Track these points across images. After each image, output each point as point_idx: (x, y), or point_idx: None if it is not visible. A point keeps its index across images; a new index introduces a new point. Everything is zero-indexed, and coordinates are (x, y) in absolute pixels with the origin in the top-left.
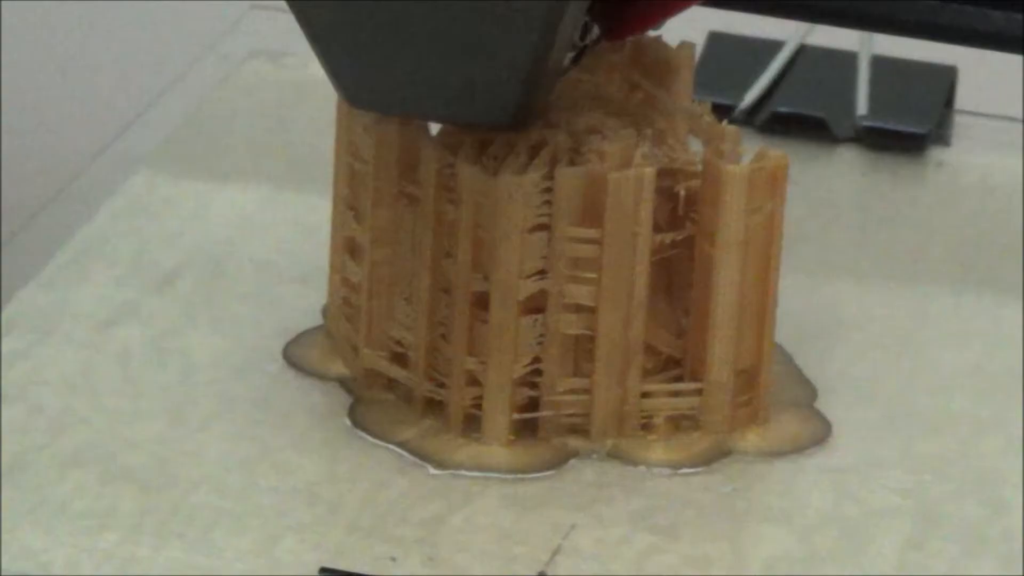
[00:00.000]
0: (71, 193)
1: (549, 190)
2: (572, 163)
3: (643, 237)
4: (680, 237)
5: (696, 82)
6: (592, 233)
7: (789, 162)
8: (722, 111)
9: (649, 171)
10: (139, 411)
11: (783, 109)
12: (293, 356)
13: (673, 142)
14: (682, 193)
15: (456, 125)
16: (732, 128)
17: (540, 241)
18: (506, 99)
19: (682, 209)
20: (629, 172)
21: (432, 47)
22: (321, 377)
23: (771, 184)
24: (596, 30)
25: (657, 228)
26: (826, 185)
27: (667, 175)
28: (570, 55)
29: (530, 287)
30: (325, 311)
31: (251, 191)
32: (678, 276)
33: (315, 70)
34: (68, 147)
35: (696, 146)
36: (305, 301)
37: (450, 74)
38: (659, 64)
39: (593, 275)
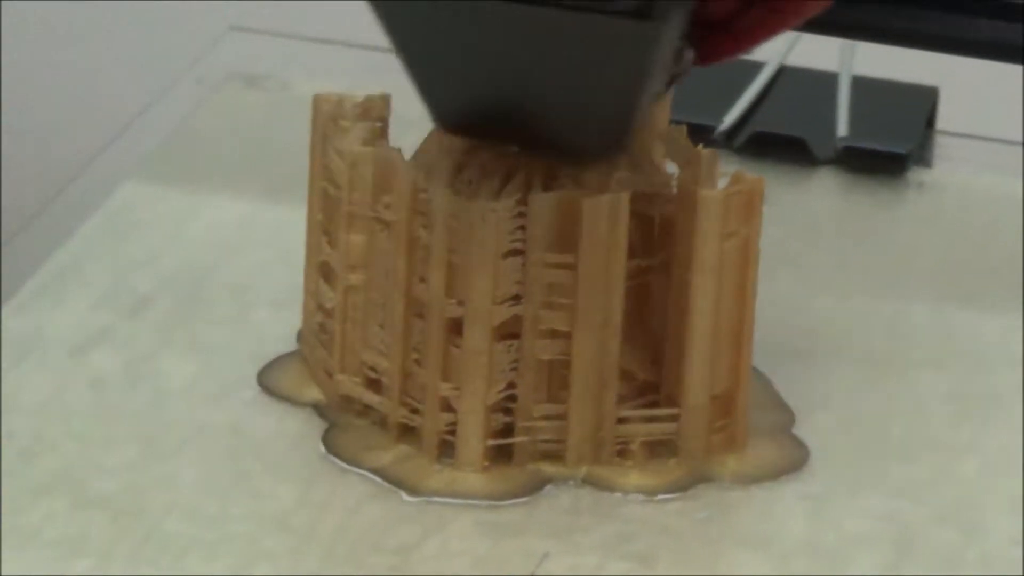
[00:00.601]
0: (46, 215)
1: (523, 215)
2: (547, 188)
3: (618, 262)
4: (656, 262)
5: (675, 102)
6: (567, 258)
7: (765, 186)
8: (702, 132)
9: (624, 196)
10: (112, 437)
11: (763, 130)
12: (268, 382)
13: (649, 166)
14: (657, 218)
15: (551, 154)
16: (708, 152)
17: (514, 266)
18: (612, 126)
19: (658, 233)
20: (604, 197)
21: (537, 77)
22: (295, 403)
23: (747, 208)
24: (690, 55)
25: (632, 253)
26: (806, 206)
27: (642, 200)
28: (664, 80)
29: (504, 312)
30: (300, 336)
31: (227, 214)
32: (654, 301)
33: (292, 91)
34: (44, 168)
35: (673, 169)
36: (280, 325)
37: (555, 103)
38: None
39: (568, 300)
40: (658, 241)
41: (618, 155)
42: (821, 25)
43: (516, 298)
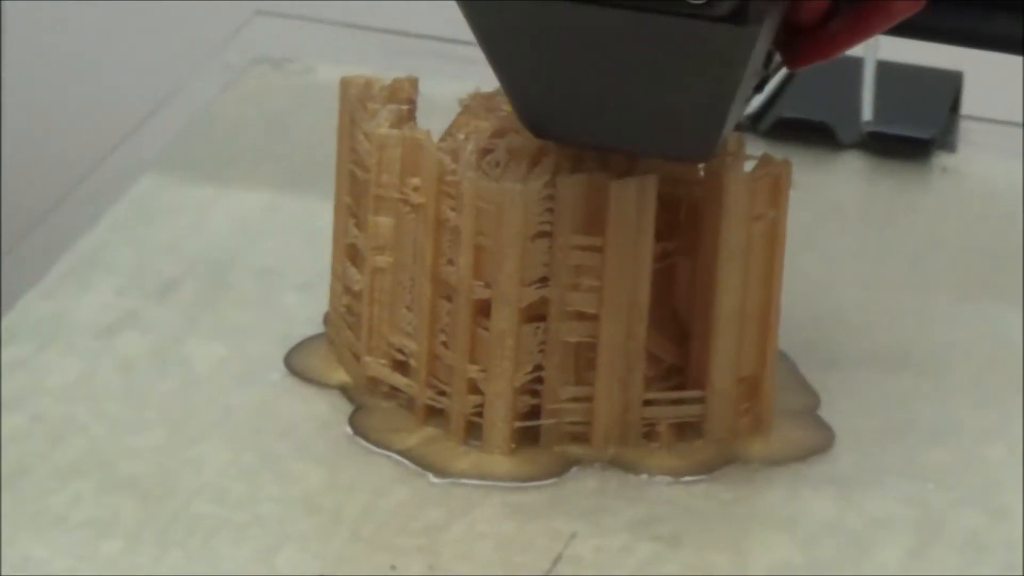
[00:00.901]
0: (72, 201)
1: (551, 197)
2: (574, 171)
3: (645, 245)
4: (682, 245)
5: None
6: (594, 241)
7: (792, 169)
8: None
9: (651, 179)
10: (140, 420)
11: (788, 115)
12: (294, 364)
13: None
14: (685, 201)
15: (649, 157)
16: (735, 135)
17: (542, 249)
18: (705, 130)
19: (684, 217)
20: (631, 180)
21: (630, 81)
22: (322, 385)
23: (774, 192)
24: (778, 58)
25: (659, 236)
26: (830, 191)
27: (669, 182)
28: (754, 83)
29: (532, 295)
30: (327, 319)
31: (253, 198)
32: (680, 284)
33: (318, 76)
34: (70, 154)
35: None
36: (306, 309)
37: (648, 107)
38: None
39: (595, 283)
40: (685, 224)
41: (711, 158)
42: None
43: (543, 280)
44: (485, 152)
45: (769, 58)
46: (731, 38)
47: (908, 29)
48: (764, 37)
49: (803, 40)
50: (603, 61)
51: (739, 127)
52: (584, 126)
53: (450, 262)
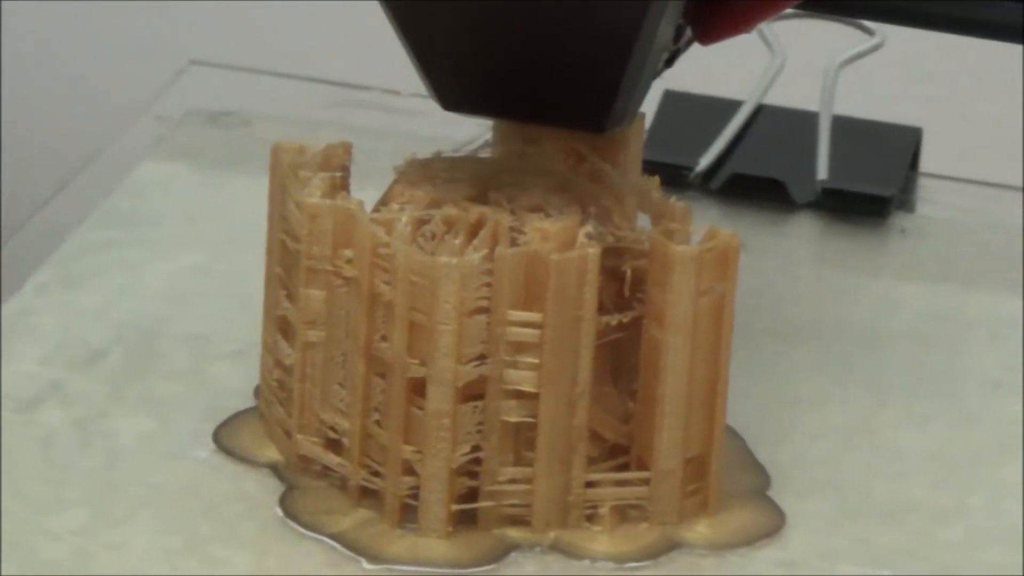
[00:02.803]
0: None
1: (489, 272)
2: (514, 243)
3: (587, 320)
4: (627, 319)
5: (650, 142)
6: (534, 316)
7: (740, 243)
8: (678, 172)
9: (593, 252)
10: (61, 500)
11: (741, 171)
12: (224, 440)
13: (619, 219)
14: (628, 273)
15: (549, 126)
16: (681, 205)
17: (480, 325)
18: (602, 103)
19: (628, 290)
20: (572, 253)
21: (529, 50)
22: (253, 463)
23: (722, 265)
24: (689, 33)
25: (603, 309)
26: (784, 252)
27: (613, 254)
28: (664, 58)
29: (469, 373)
30: (258, 392)
31: (184, 260)
32: (625, 359)
33: (255, 129)
34: None
35: (645, 222)
36: (237, 379)
37: (546, 77)
38: (607, 136)
39: (535, 360)
40: (629, 297)
41: (608, 130)
42: (823, 3)
43: (481, 357)
44: (420, 223)
45: (679, 32)
46: (631, 9)
47: (905, 17)
48: (670, 9)
49: (714, 13)
50: (504, 30)
51: (691, 184)
52: (489, 95)
53: (384, 338)
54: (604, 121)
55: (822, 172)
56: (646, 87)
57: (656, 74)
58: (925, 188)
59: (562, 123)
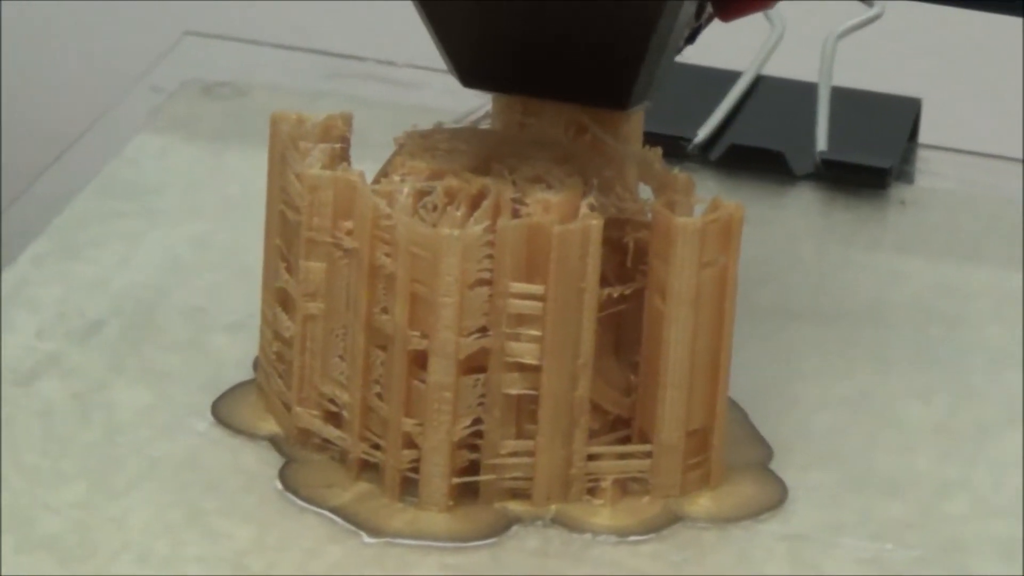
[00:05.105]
0: None
1: (491, 243)
2: (516, 214)
3: (590, 292)
4: (629, 291)
5: (649, 114)
6: (536, 289)
7: (744, 213)
8: (677, 143)
9: (596, 224)
10: (60, 473)
11: (740, 142)
12: (223, 413)
13: (621, 191)
14: (631, 245)
15: (570, 103)
16: (684, 176)
17: (481, 297)
18: (624, 80)
19: (631, 261)
20: (575, 225)
21: (550, 26)
22: (252, 435)
23: (725, 237)
24: (709, 9)
25: (605, 281)
26: (784, 224)
27: (615, 225)
28: (685, 34)
29: (471, 345)
30: (257, 364)
31: (182, 231)
32: (627, 331)
33: (251, 100)
34: None
35: (647, 193)
36: (237, 351)
37: (567, 54)
38: None
39: (537, 332)
40: (632, 269)
41: (628, 107)
42: None
43: (483, 330)
44: (421, 195)
45: (701, 8)
46: None
47: None
48: None
49: None
50: (526, 6)
51: (689, 155)
52: (510, 71)
53: (384, 310)
54: (626, 98)
55: (821, 143)
56: (668, 64)
57: (678, 51)
58: (924, 159)
59: (584, 100)
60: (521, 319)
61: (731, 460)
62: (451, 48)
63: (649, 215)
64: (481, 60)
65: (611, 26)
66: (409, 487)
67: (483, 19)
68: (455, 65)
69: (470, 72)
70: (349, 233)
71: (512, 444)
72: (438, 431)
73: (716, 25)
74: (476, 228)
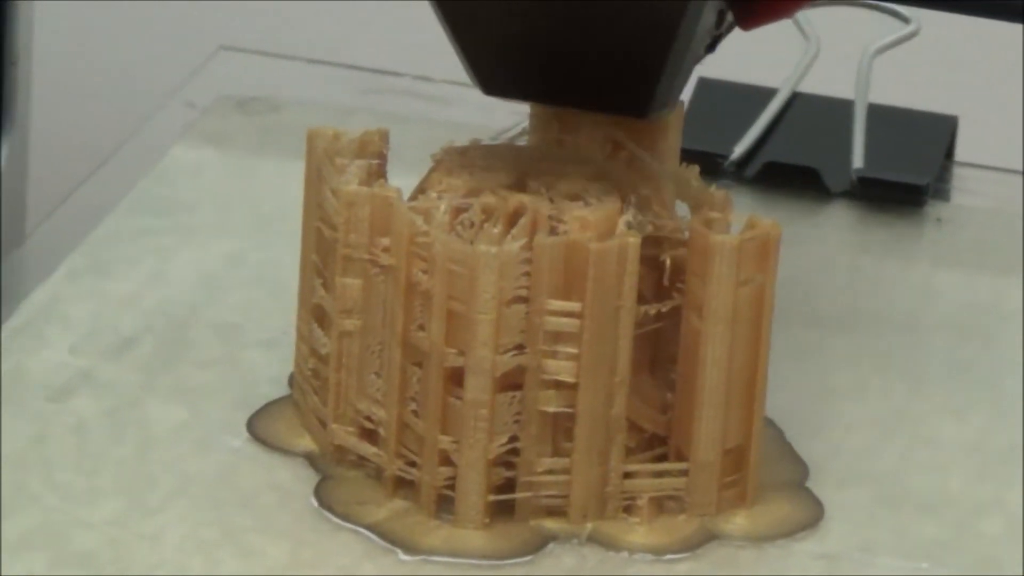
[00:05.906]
0: (27, 250)
1: (528, 261)
2: (553, 231)
3: (627, 310)
4: (666, 309)
5: (684, 130)
6: (573, 306)
7: (780, 232)
8: (713, 161)
9: (633, 241)
10: (94, 489)
11: (776, 160)
12: (258, 429)
13: (659, 208)
14: (668, 262)
15: (590, 111)
16: (721, 193)
17: (518, 314)
18: (644, 88)
19: (668, 279)
20: (612, 242)
21: (571, 34)
22: (287, 452)
23: (762, 255)
24: (730, 17)
25: (642, 299)
26: (820, 241)
27: (652, 243)
28: (706, 43)
29: (507, 363)
30: (292, 380)
31: (215, 247)
32: (663, 349)
33: (285, 115)
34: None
35: (684, 211)
36: (271, 368)
37: (588, 61)
38: (645, 124)
39: (574, 350)
40: (669, 287)
41: (649, 115)
42: None
43: (520, 347)
44: (458, 212)
45: (721, 16)
46: None
47: (941, 3)
48: None
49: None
50: (547, 7)
51: (725, 172)
52: (531, 79)
53: (421, 327)
54: (647, 106)
55: (857, 160)
56: (688, 72)
57: (698, 59)
58: (960, 177)
59: (604, 108)
60: (558, 336)
61: (767, 478)
62: (471, 55)
63: (686, 233)
64: (501, 67)
65: (632, 32)
66: (445, 504)
67: (503, 25)
68: (475, 72)
69: (491, 79)
70: (386, 250)
71: (548, 462)
72: (474, 448)
73: (752, 42)
74: (513, 245)
